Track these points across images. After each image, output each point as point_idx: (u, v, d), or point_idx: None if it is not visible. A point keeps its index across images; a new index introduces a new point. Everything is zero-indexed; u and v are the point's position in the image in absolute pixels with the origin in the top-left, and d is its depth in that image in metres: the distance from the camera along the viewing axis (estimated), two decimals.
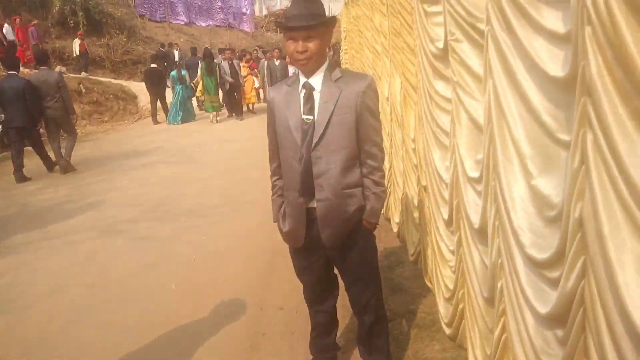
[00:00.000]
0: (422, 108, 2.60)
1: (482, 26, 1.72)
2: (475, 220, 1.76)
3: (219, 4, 27.87)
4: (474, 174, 1.79)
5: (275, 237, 4.35)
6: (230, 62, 12.01)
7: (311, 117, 2.03)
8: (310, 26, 1.92)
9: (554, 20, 1.28)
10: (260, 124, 11.74)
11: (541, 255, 1.24)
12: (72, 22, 18.23)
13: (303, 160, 2.04)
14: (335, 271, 2.37)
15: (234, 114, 12.52)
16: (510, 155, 1.47)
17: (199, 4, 26.90)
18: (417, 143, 2.96)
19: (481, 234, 1.74)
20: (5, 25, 13.89)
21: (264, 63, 12.56)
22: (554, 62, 1.28)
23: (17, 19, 14.54)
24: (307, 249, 2.21)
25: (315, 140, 2.01)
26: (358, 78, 2.08)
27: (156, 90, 12.31)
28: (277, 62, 11.91)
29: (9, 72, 7.35)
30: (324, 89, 2.03)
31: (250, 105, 13.55)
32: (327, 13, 2.08)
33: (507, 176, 1.47)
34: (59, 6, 17.94)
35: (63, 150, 7.73)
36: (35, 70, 9.83)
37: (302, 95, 2.06)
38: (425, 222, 2.87)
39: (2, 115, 8.63)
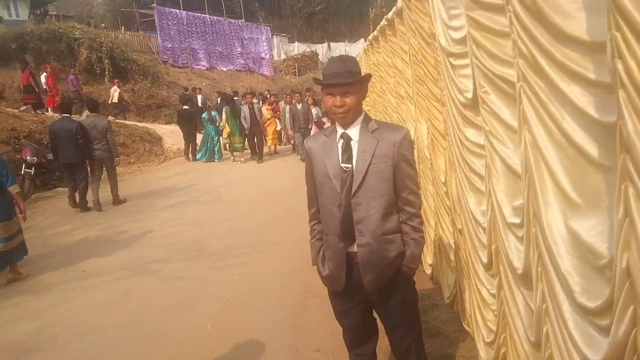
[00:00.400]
0: (454, 153, 2.70)
1: (511, 79, 1.83)
2: (519, 265, 1.82)
3: (239, 49, 28.93)
4: (514, 219, 1.86)
5: (307, 278, 4.45)
6: (250, 107, 12.20)
7: (349, 166, 2.14)
8: (347, 83, 2.06)
9: (597, 69, 1.35)
10: (282, 164, 11.98)
11: (591, 303, 1.30)
12: (98, 69, 19.16)
13: (343, 206, 2.14)
14: (375, 314, 2.41)
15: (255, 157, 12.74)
16: (551, 202, 1.54)
17: (220, 50, 27.94)
18: (448, 186, 3.04)
19: (525, 278, 1.79)
20: (44, 74, 14.78)
21: (285, 107, 12.84)
22: (598, 108, 1.34)
23: (48, 67, 15.41)
24: (347, 293, 2.26)
25: (354, 188, 2.11)
26: (394, 129, 2.20)
27: (188, 130, 13.19)
28: (299, 106, 12.10)
29: (63, 115, 8.19)
30: (361, 139, 2.15)
31: (273, 147, 13.82)
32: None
33: (549, 222, 1.53)
34: (85, 54, 18.90)
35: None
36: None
37: (340, 145, 2.18)
38: (462, 265, 2.90)
39: (35, 158, 9.11)
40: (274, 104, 13.95)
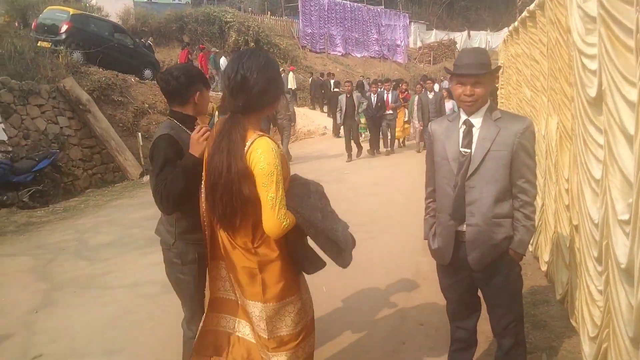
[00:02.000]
0: (577, 149, 2.70)
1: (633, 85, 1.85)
2: (623, 260, 1.86)
3: (375, 36, 29.21)
4: (625, 216, 1.89)
5: (419, 260, 4.66)
6: (348, 96, 10.83)
7: (468, 151, 2.30)
8: (480, 74, 2.23)
9: None
10: (403, 155, 12.06)
11: None
12: None
13: (457, 188, 2.31)
14: (480, 294, 2.55)
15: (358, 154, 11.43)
16: None
17: (356, 36, 28.50)
18: (570, 183, 3.01)
19: (627, 274, 1.84)
20: (223, 58, 16.76)
21: (414, 97, 11.45)
22: None
23: (203, 48, 17.32)
24: (452, 268, 2.45)
25: (470, 171, 2.27)
26: (517, 120, 2.31)
27: (335, 110, 14.35)
28: (430, 96, 10.86)
29: None
30: (483, 126, 2.29)
31: (401, 140, 12.87)
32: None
33: None
34: (234, 37, 20.71)
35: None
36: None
37: (461, 130, 2.35)
38: (576, 263, 2.89)
39: None
40: (405, 92, 13.09)
